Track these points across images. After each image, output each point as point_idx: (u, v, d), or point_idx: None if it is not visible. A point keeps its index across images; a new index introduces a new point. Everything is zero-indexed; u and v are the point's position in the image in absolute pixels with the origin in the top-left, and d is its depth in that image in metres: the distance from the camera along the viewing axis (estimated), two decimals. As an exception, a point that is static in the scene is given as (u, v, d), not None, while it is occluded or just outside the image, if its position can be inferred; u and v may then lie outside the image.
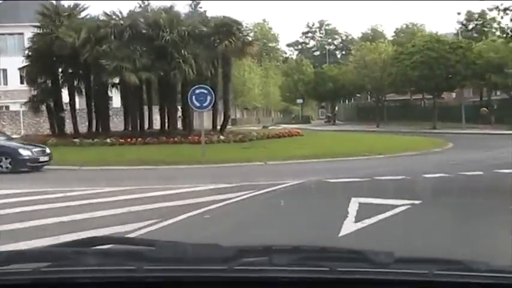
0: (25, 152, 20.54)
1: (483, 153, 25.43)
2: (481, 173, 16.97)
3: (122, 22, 31.54)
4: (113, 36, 30.43)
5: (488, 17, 54.91)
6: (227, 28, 31.30)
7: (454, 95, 61.91)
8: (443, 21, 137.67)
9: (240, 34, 31.92)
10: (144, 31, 30.70)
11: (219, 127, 34.15)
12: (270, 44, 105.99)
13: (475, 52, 44.37)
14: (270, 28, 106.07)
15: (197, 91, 24.23)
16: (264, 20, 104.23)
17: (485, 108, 50.66)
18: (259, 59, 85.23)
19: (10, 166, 19.84)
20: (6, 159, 20.01)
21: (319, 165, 21.69)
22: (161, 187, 14.52)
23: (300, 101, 64.60)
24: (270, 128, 47.59)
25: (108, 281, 1.70)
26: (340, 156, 24.34)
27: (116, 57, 29.74)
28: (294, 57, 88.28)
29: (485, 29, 54.52)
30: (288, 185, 14.61)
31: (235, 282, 1.70)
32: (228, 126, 37.05)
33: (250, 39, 33.21)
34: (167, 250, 2.00)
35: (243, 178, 16.78)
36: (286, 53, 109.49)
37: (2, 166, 19.91)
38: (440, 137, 36.04)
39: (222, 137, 30.21)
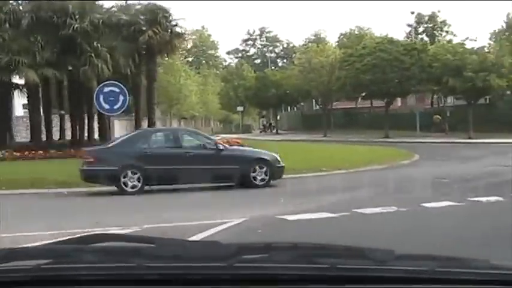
0: (280, 159, 15.77)
1: (462, 166, 20.43)
2: (499, 198, 11.59)
3: (20, 7, 25.02)
4: (7, 24, 23.92)
5: (439, 19, 50.90)
6: (151, 16, 25.18)
7: (399, 102, 57.63)
8: (390, 27, 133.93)
9: (168, 24, 25.79)
10: (47, 18, 24.18)
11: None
12: (209, 52, 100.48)
13: (431, 54, 39.63)
14: (209, 35, 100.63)
15: (106, 89, 18.22)
16: (203, 27, 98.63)
17: (438, 116, 46.23)
18: (197, 66, 79.28)
19: (266, 178, 14.98)
20: (261, 168, 15.04)
21: (265, 186, 15.89)
22: None
23: (240, 108, 58.48)
24: (207, 137, 41.50)
25: (108, 278, 1.65)
26: (290, 171, 18.56)
27: (10, 50, 23.28)
28: (234, 65, 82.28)
29: (436, 32, 50.20)
30: (219, 229, 8.65)
31: (235, 280, 1.64)
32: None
33: (180, 30, 27.12)
34: (167, 247, 1.94)
35: (151, 211, 10.89)
36: (226, 61, 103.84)
37: (256, 178, 14.90)
38: (395, 146, 31.11)
39: (144, 149, 23.99)
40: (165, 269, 1.71)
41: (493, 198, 11.58)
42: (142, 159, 14.24)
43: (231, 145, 27.99)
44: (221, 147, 15.21)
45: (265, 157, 15.43)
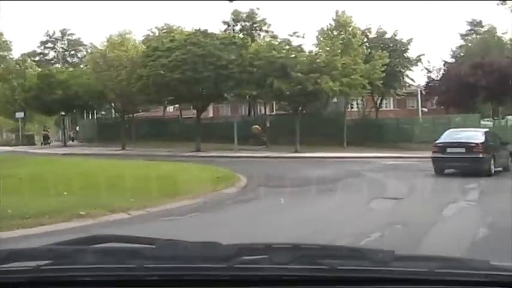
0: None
1: (327, 200, 12.09)
2: None
3: None
4: None
5: (258, 18, 43.65)
6: None
7: (211, 113, 49.71)
8: (203, 25, 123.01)
9: None
10: None
11: None
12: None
13: (252, 52, 31.73)
14: (1, 34, 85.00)
15: None
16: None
17: (257, 126, 38.60)
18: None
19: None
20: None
21: None
22: None
23: (19, 114, 45.71)
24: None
25: (108, 279, 1.63)
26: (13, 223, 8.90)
27: None
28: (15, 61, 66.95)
29: (254, 32, 42.77)
30: None
31: (235, 281, 1.62)
32: None
33: None
34: (167, 248, 1.87)
35: None
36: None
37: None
38: (210, 162, 22.76)
39: None
40: (165, 270, 1.65)
41: None
42: (495, 149, 18.51)
43: None
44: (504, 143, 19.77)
45: None
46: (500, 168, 18.44)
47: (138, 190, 12.34)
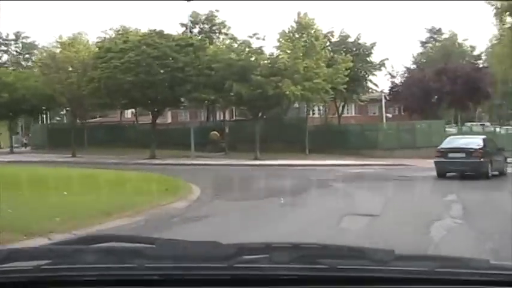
0: None
1: (302, 218, 10.40)
2: None
3: None
4: None
5: (217, 20, 41.79)
6: None
7: (169, 118, 47.76)
8: (161, 27, 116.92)
9: None
10: None
11: None
12: None
13: (210, 54, 29.88)
14: None
15: None
16: None
17: (216, 132, 36.75)
18: None
19: None
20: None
21: None
22: None
23: (-38, 119, 42.91)
24: None
25: (109, 279, 1.60)
26: None
27: None
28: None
29: (214, 35, 40.90)
30: None
31: (235, 280, 1.58)
32: None
33: None
34: (167, 248, 1.84)
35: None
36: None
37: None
38: (164, 170, 20.94)
39: None
40: (165, 269, 1.63)
41: None
42: (492, 154, 19.55)
43: None
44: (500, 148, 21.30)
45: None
46: (497, 172, 19.51)
47: (68, 206, 10.36)
